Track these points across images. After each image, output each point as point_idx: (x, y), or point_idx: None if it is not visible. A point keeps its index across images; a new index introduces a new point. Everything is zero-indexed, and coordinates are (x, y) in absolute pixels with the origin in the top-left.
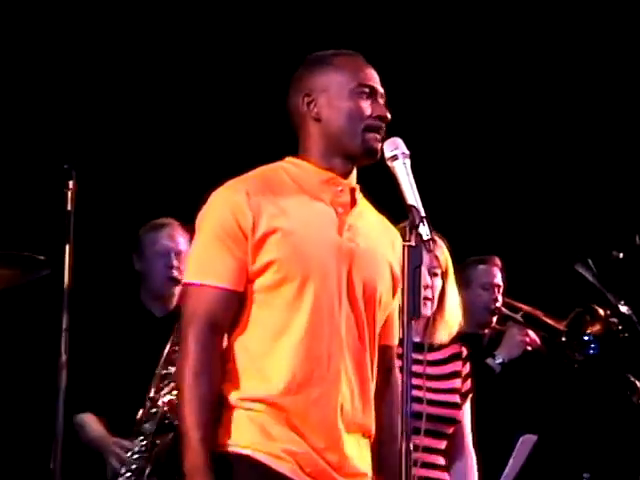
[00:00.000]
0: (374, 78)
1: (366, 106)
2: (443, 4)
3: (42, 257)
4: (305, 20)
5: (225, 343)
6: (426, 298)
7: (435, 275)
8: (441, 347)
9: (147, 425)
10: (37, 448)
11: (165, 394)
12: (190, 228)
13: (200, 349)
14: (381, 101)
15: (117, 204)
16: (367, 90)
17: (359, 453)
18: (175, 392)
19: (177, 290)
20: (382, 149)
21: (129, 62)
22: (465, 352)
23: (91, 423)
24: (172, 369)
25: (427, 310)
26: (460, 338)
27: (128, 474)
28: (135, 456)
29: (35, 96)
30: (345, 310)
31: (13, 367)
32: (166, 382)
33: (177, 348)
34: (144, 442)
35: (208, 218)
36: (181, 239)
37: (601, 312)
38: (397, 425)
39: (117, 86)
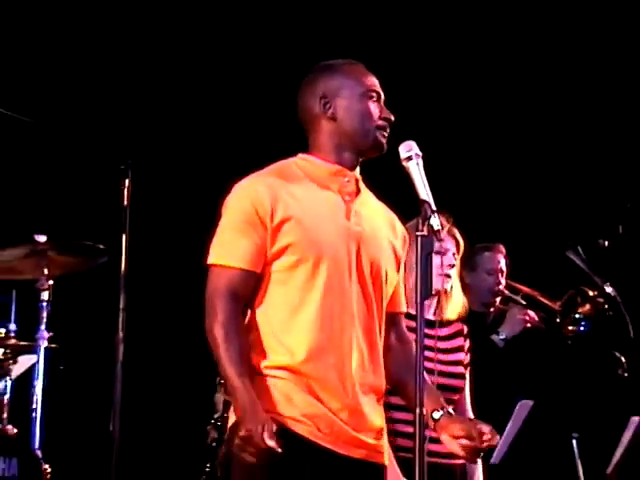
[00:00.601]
0: (377, 84)
1: (374, 108)
2: (449, 9)
3: (102, 246)
4: (313, 32)
5: (249, 317)
6: (448, 275)
7: (456, 260)
8: (447, 324)
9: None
10: (98, 413)
11: None
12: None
13: (227, 315)
14: (384, 105)
15: (167, 200)
16: (374, 94)
17: (372, 410)
18: None
19: None
20: (386, 147)
21: (181, 73)
22: (466, 329)
23: None
24: None
25: (448, 285)
26: (468, 316)
27: None
28: None
29: (98, 105)
30: (355, 286)
31: (77, 342)
32: None
33: None
34: None
35: (230, 207)
36: None
37: (591, 294)
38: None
39: (169, 97)
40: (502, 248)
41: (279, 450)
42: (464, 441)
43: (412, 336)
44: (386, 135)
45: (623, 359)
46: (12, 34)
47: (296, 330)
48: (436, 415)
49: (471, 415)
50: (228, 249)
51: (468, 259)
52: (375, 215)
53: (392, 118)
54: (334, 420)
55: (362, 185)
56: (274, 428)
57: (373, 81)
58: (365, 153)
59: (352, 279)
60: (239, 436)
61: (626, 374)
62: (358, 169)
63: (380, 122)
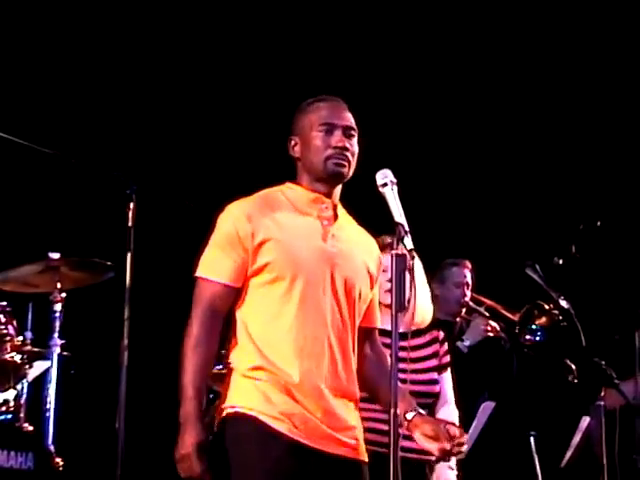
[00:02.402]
0: (338, 115)
1: (325, 140)
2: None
3: (109, 263)
4: (304, 66)
5: (232, 325)
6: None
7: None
8: (422, 333)
9: None
10: (105, 412)
11: None
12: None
13: (200, 329)
14: (341, 134)
15: (167, 221)
16: (326, 127)
17: (346, 412)
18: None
19: None
20: (344, 172)
21: (180, 108)
22: (442, 335)
23: None
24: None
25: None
26: (436, 324)
27: None
28: None
29: (106, 137)
30: (329, 300)
31: (85, 349)
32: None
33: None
34: None
35: (218, 227)
36: None
37: (546, 307)
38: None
39: (170, 130)
40: (468, 264)
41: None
42: (433, 443)
43: (387, 351)
44: (340, 162)
45: (573, 366)
46: (33, 75)
47: (274, 338)
48: (409, 416)
49: (454, 407)
50: (212, 265)
51: (438, 272)
52: (352, 238)
53: (343, 145)
54: (309, 418)
55: (341, 211)
56: (205, 448)
57: (331, 114)
58: (329, 182)
59: (326, 294)
60: (177, 455)
61: (576, 380)
62: (337, 196)
63: (329, 151)
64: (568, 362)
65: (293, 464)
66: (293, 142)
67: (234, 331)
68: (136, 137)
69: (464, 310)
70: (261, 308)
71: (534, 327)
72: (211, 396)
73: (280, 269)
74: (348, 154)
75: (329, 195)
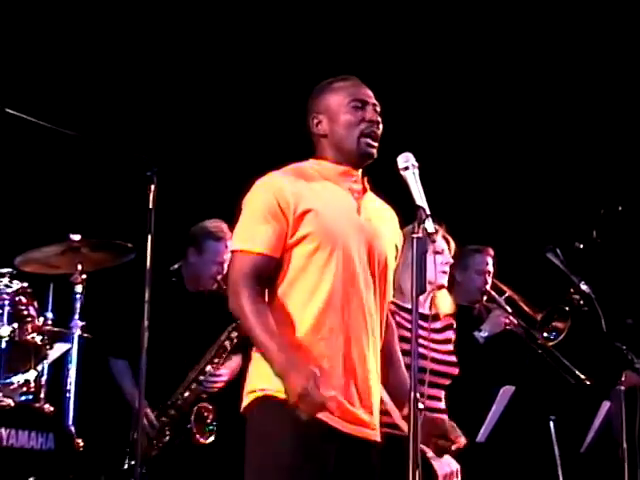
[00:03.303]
0: (366, 93)
1: (357, 116)
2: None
3: (129, 245)
4: (325, 45)
5: (269, 298)
6: (445, 272)
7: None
8: (439, 318)
9: (172, 411)
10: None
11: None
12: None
13: (253, 293)
14: (372, 110)
15: (188, 203)
16: (358, 103)
17: (372, 389)
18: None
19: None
20: (374, 154)
21: (201, 90)
22: (454, 324)
23: (128, 380)
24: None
25: (445, 281)
26: (459, 310)
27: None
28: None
29: (127, 119)
30: (364, 273)
31: (107, 330)
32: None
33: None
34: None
35: (253, 200)
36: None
37: (568, 311)
38: (396, 353)
39: (190, 111)
40: (491, 251)
41: (333, 394)
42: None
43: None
44: (372, 143)
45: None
46: (56, 57)
47: (310, 310)
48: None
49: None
50: (250, 236)
51: (460, 259)
52: (379, 211)
53: (375, 119)
54: (342, 401)
55: (366, 184)
56: (318, 374)
57: (359, 91)
58: (356, 161)
59: (362, 267)
60: (293, 398)
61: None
62: (361, 170)
63: (363, 126)
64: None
65: (324, 446)
66: (316, 120)
67: (270, 305)
68: (157, 118)
69: (484, 298)
70: (299, 281)
71: (551, 329)
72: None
73: (320, 240)
74: (379, 130)
75: (356, 169)
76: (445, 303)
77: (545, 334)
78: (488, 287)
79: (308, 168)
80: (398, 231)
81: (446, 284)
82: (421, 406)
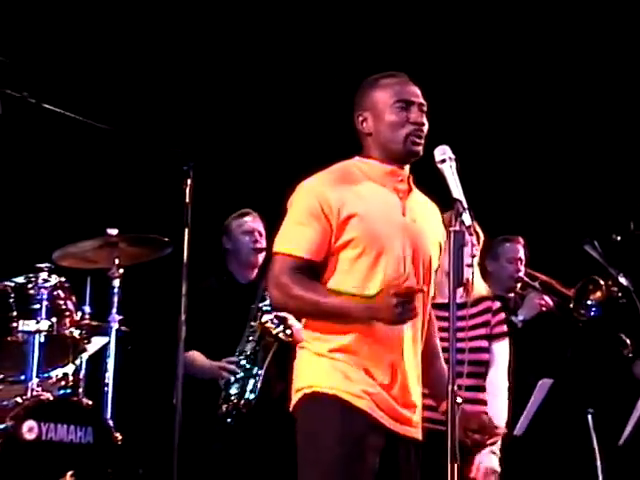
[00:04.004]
0: (412, 92)
1: (403, 116)
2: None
3: (166, 239)
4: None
5: None
6: (469, 265)
7: (476, 250)
8: (476, 303)
9: (248, 345)
10: (163, 387)
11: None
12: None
13: (298, 280)
14: (417, 110)
15: (224, 197)
16: (403, 103)
17: (414, 388)
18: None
19: (260, 258)
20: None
21: (240, 81)
22: (496, 306)
23: (199, 356)
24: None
25: (470, 274)
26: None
27: (239, 378)
28: (242, 362)
29: (164, 113)
30: (409, 277)
31: (145, 324)
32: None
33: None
34: (248, 354)
35: (297, 203)
36: (260, 223)
37: (602, 282)
38: (436, 347)
39: (228, 104)
40: (521, 240)
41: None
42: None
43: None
44: (418, 141)
45: (628, 341)
46: (91, 51)
47: None
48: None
49: (498, 377)
50: (292, 239)
51: (491, 249)
52: (424, 210)
53: (423, 121)
54: (386, 398)
55: (412, 183)
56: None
57: (407, 90)
58: (402, 160)
59: (407, 270)
60: (391, 315)
61: (631, 355)
62: (407, 168)
63: (409, 127)
64: (623, 337)
65: (373, 443)
66: (362, 117)
67: None
68: (194, 113)
69: (518, 286)
70: (344, 286)
71: (589, 302)
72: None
73: (365, 245)
74: (423, 131)
75: (402, 168)
76: (479, 286)
77: (584, 312)
78: (521, 274)
79: (353, 168)
80: (442, 229)
81: (470, 277)
82: (459, 400)
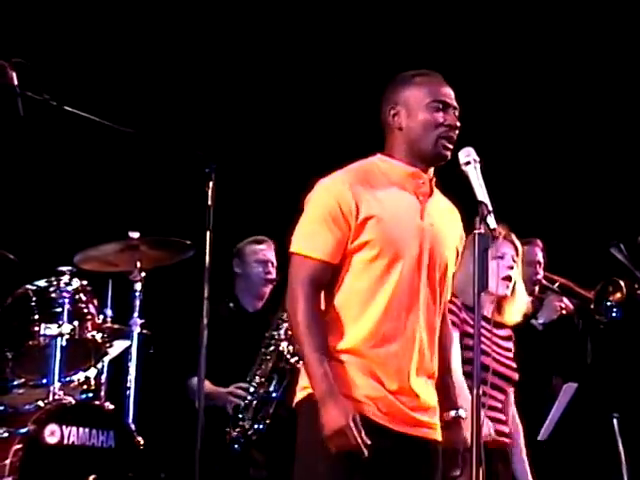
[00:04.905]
0: (448, 94)
1: (438, 117)
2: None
3: (188, 242)
4: (390, 37)
5: (324, 302)
6: (508, 278)
7: (515, 262)
8: (503, 326)
9: (260, 371)
10: (185, 391)
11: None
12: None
13: (309, 302)
14: (452, 113)
15: (247, 200)
16: (439, 104)
17: (427, 391)
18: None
19: (269, 289)
20: (455, 155)
21: (259, 83)
22: (513, 336)
23: (205, 382)
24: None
25: (508, 290)
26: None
27: (250, 403)
28: (252, 389)
29: (186, 117)
30: (424, 280)
31: (166, 327)
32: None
33: (283, 315)
34: (261, 381)
35: (314, 203)
36: (273, 253)
37: (622, 283)
38: (448, 362)
39: (249, 107)
40: (539, 242)
41: (369, 442)
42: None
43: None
44: (449, 145)
45: None
46: (112, 54)
47: (366, 319)
48: (452, 413)
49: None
50: (310, 241)
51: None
52: (444, 214)
53: (457, 124)
54: (393, 401)
55: (434, 186)
56: (358, 419)
57: (443, 91)
58: (430, 162)
59: (422, 275)
60: (329, 432)
61: None
62: (432, 170)
63: (441, 129)
64: None
65: (376, 447)
66: (394, 111)
67: (325, 310)
68: (216, 115)
69: (537, 289)
70: (356, 288)
71: (609, 304)
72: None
73: (381, 248)
74: (456, 135)
75: (426, 170)
76: (516, 309)
77: (606, 313)
78: (539, 277)
79: (373, 167)
80: (461, 234)
81: (509, 293)
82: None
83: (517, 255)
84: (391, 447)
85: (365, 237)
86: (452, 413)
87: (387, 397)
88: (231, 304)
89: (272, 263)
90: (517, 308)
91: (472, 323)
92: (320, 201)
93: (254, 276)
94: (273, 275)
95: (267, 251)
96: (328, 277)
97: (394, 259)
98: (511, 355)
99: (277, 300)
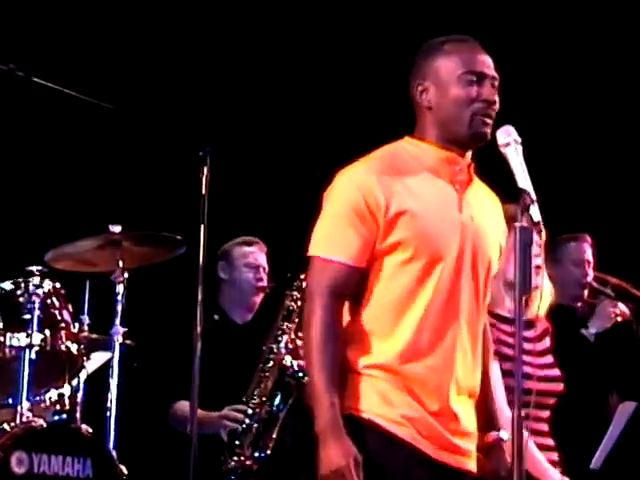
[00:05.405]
0: (484, 63)
1: (472, 92)
2: None
3: (179, 237)
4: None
5: (350, 312)
6: (539, 267)
7: (540, 248)
8: (532, 324)
9: (259, 390)
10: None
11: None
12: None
13: (326, 317)
14: (490, 85)
15: (248, 189)
16: (474, 77)
17: (467, 413)
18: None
19: (259, 299)
20: (494, 135)
21: (261, 50)
22: (550, 328)
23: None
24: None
25: (539, 280)
26: (555, 311)
27: (248, 427)
28: (250, 411)
29: (174, 89)
30: (466, 286)
31: (153, 337)
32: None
33: (283, 325)
34: (260, 401)
35: (337, 197)
36: (265, 257)
37: None
38: (488, 373)
39: (249, 77)
40: (588, 238)
41: None
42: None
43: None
44: (487, 122)
45: None
46: (92, 22)
47: (400, 331)
48: (493, 434)
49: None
50: (333, 242)
51: (552, 251)
52: (484, 205)
53: (495, 99)
54: (432, 423)
55: (472, 173)
56: (360, 460)
57: (478, 61)
58: (466, 145)
59: (464, 278)
60: (325, 471)
61: None
62: (469, 154)
63: (478, 105)
64: None
65: (413, 470)
66: (421, 87)
67: (351, 320)
68: (211, 88)
69: (586, 292)
70: (388, 296)
71: None
72: None
73: (416, 248)
74: (495, 111)
75: (463, 155)
76: (538, 306)
77: None
78: (589, 279)
79: (403, 152)
80: (503, 226)
81: (540, 283)
82: (526, 434)
83: (540, 241)
84: (429, 476)
85: (397, 236)
86: (494, 434)
87: (426, 418)
88: (216, 316)
89: (264, 268)
90: (544, 300)
91: (507, 341)
92: (342, 195)
93: (243, 283)
94: (265, 282)
95: (258, 254)
96: (354, 284)
97: (432, 261)
98: (551, 360)
99: (269, 311)
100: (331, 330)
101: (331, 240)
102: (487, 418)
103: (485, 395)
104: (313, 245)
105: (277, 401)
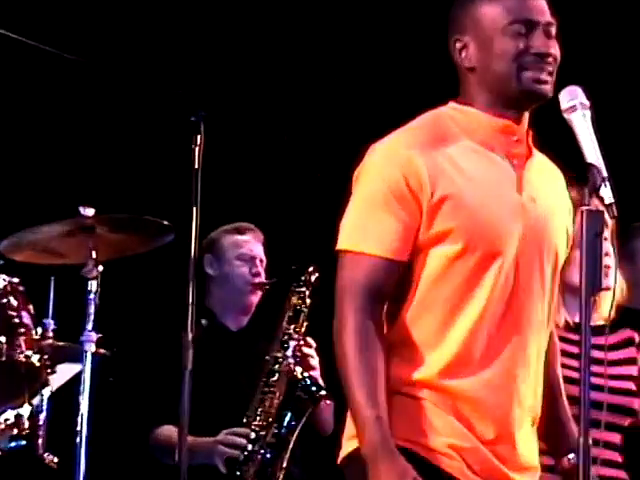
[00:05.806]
0: (536, 7)
1: (520, 44)
2: None
3: (166, 222)
4: None
5: (386, 319)
6: (608, 266)
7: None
8: (613, 330)
9: (263, 408)
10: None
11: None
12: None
13: (362, 322)
14: (543, 34)
15: (249, 163)
16: (522, 26)
17: (529, 442)
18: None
19: (257, 298)
20: (548, 93)
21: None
22: (638, 338)
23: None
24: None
25: (610, 281)
26: (629, 316)
27: (252, 454)
28: (253, 435)
29: (163, 44)
30: (528, 282)
31: (133, 345)
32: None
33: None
34: (266, 423)
35: (370, 176)
36: (261, 246)
37: None
38: (558, 379)
39: (249, 32)
40: None
41: None
42: None
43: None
44: (543, 78)
45: None
46: None
47: (449, 339)
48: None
49: None
50: (366, 231)
51: (623, 246)
52: (548, 183)
53: (550, 51)
54: (486, 455)
55: (531, 144)
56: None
57: (524, 5)
58: (521, 105)
59: (524, 275)
60: None
61: None
62: (526, 121)
63: (527, 59)
64: None
65: None
66: (460, 44)
67: (388, 327)
68: (205, 43)
69: None
70: (434, 297)
71: None
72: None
73: (468, 240)
74: (552, 64)
75: (518, 121)
76: (608, 308)
77: None
78: None
79: (448, 121)
80: (569, 206)
81: (612, 284)
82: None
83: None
84: None
85: (444, 224)
86: (571, 457)
87: (479, 449)
88: (204, 321)
89: (261, 260)
90: (615, 300)
91: (569, 350)
92: (377, 174)
93: (237, 279)
94: (262, 277)
95: (253, 244)
96: (393, 281)
97: (488, 255)
98: (630, 371)
99: (269, 313)
100: (369, 337)
101: (365, 230)
102: (561, 438)
103: (556, 408)
104: (342, 237)
105: (287, 421)
